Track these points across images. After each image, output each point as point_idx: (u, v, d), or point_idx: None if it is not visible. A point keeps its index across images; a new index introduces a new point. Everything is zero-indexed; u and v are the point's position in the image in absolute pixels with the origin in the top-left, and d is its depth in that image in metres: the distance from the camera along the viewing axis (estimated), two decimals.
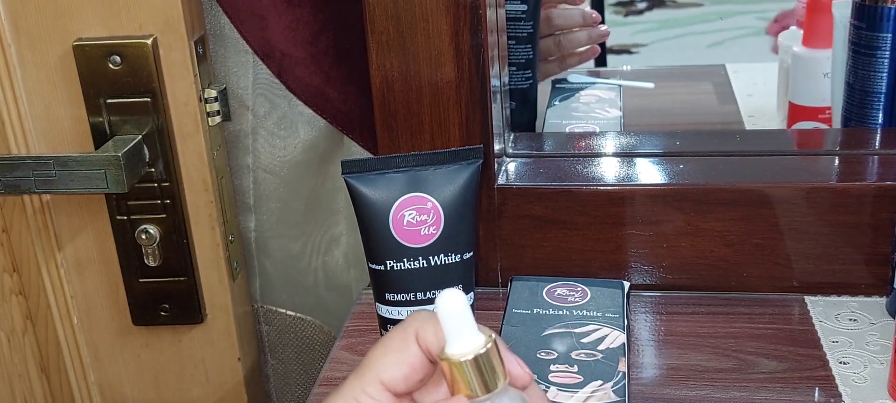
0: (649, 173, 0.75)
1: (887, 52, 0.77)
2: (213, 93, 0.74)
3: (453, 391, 0.41)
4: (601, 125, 0.95)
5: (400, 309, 0.59)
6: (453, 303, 0.40)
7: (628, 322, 0.67)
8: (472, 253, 0.61)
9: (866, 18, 0.77)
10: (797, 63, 0.91)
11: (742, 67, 1.16)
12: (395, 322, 0.59)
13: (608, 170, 0.75)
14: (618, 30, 2.31)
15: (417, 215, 0.59)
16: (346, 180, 0.60)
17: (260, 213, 0.85)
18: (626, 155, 0.78)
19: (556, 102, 1.00)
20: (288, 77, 0.78)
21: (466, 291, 0.60)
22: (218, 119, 0.75)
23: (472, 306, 0.60)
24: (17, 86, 0.73)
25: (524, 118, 0.96)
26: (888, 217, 0.70)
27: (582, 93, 1.03)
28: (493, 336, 0.41)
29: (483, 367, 0.40)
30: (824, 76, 0.88)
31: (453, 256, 0.60)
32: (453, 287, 0.59)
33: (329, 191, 0.86)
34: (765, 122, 1.01)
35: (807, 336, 0.67)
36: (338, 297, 0.90)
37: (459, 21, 0.67)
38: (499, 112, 0.73)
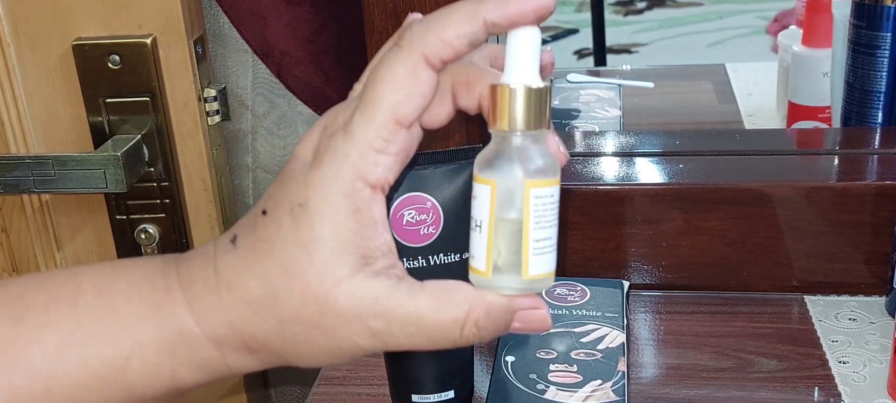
0: (649, 172, 0.75)
1: (887, 51, 0.77)
2: (213, 92, 0.74)
3: (493, 122, 0.39)
4: (601, 124, 0.95)
5: None
6: (531, 34, 0.37)
7: (628, 321, 0.67)
8: None
9: (866, 18, 0.77)
10: (797, 62, 0.91)
11: (742, 67, 1.16)
12: None
13: (608, 170, 0.75)
14: (618, 29, 2.31)
15: (417, 214, 0.59)
16: None
17: None
18: (626, 154, 0.78)
19: (556, 102, 1.00)
20: (287, 76, 0.78)
21: None
22: (217, 118, 0.75)
23: None
24: (17, 86, 0.73)
25: None
26: (888, 216, 0.70)
27: (581, 92, 1.03)
28: (551, 83, 0.39)
29: (532, 104, 0.38)
30: (824, 75, 0.88)
31: (453, 256, 0.60)
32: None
33: None
34: (764, 122, 1.01)
35: (806, 335, 0.67)
36: None
37: None
38: None
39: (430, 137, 0.40)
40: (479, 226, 0.38)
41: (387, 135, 0.38)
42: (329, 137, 0.39)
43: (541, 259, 0.38)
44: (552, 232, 0.39)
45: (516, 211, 0.38)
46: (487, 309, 0.38)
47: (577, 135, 0.90)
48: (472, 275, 0.39)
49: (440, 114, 0.40)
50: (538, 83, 0.38)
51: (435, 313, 0.38)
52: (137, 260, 0.43)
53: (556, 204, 0.39)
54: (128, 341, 0.39)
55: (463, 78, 0.40)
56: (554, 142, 0.40)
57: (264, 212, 0.39)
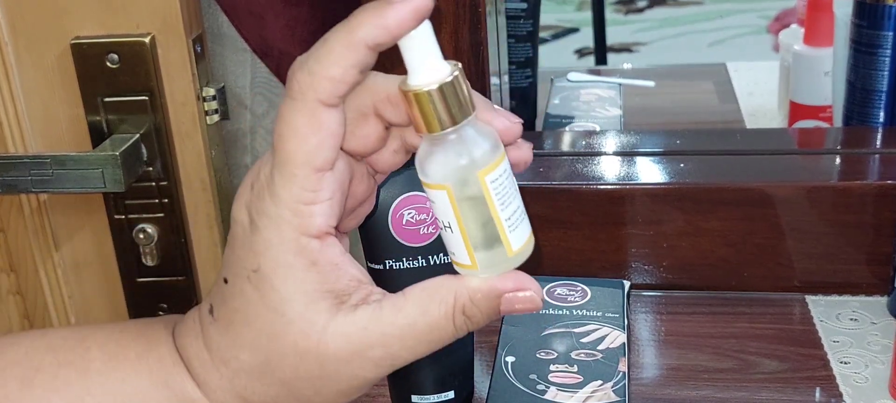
0: (650, 172, 0.74)
1: (888, 51, 0.77)
2: (212, 91, 0.74)
3: (419, 128, 0.37)
4: (601, 124, 0.95)
5: None
6: (421, 30, 0.36)
7: (628, 322, 0.67)
8: None
9: (867, 17, 0.77)
10: (798, 61, 0.90)
11: (743, 66, 1.16)
12: None
13: (608, 170, 0.75)
14: (618, 28, 2.31)
15: (416, 214, 0.59)
16: None
17: None
18: (627, 154, 0.78)
19: (556, 101, 1.00)
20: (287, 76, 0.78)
21: None
22: (216, 118, 0.75)
23: None
24: (15, 85, 0.73)
25: (524, 117, 0.95)
26: (889, 216, 0.69)
27: (582, 91, 1.03)
28: (459, 65, 0.37)
29: (451, 97, 0.36)
30: (825, 74, 0.88)
31: None
32: None
33: None
34: (766, 121, 1.01)
35: (808, 336, 0.67)
36: None
37: (459, 19, 0.67)
38: None
39: None
40: (449, 227, 0.38)
41: (311, 187, 0.37)
42: (258, 198, 0.38)
43: (517, 232, 0.39)
44: (517, 202, 0.39)
45: (479, 202, 0.38)
46: (470, 295, 0.38)
47: (578, 135, 0.90)
48: (461, 271, 0.39)
49: (369, 136, 0.39)
50: (448, 74, 0.37)
51: (424, 316, 0.38)
52: (142, 327, 0.42)
53: (511, 175, 0.39)
54: None
55: (382, 95, 0.39)
56: (489, 113, 0.39)
57: (226, 280, 0.39)
